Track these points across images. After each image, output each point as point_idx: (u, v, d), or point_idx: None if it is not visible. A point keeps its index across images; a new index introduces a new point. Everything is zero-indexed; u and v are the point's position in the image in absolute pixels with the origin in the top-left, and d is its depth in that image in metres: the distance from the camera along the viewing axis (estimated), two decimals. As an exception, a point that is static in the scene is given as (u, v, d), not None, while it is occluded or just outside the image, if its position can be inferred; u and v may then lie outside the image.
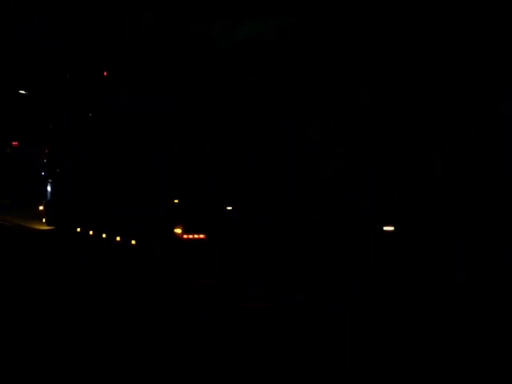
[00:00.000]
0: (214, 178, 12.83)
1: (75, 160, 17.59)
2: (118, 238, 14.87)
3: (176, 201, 13.59)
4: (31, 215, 21.40)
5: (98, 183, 16.58)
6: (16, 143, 45.80)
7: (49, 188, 18.85)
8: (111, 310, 9.08)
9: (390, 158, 12.10)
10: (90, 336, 7.65)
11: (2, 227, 21.31)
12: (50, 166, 19.06)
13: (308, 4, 17.27)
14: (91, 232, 16.10)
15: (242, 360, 7.07)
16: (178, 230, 12.97)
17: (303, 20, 17.02)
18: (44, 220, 19.07)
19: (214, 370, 6.68)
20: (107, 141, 16.68)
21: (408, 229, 11.61)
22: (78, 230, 16.78)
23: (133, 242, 14.41)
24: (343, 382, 6.64)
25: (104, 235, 15.48)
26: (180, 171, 13.38)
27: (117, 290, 10.57)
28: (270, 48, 18.27)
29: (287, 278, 11.54)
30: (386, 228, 11.66)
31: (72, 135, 18.34)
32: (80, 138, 17.80)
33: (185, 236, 13.00)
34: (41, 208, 19.53)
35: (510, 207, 11.32)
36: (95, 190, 16.59)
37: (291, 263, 11.77)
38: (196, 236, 12.87)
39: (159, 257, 13.37)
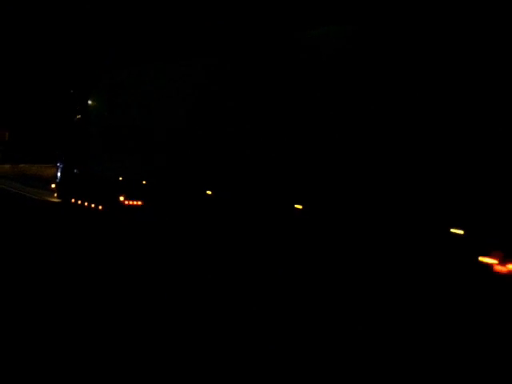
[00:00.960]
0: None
1: (74, 150, 23.90)
2: (92, 205, 21.31)
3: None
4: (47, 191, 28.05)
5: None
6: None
7: (59, 171, 25.28)
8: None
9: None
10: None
11: (28, 198, 28.14)
12: (59, 154, 25.40)
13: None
14: (81, 202, 22.54)
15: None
16: (122, 198, 19.25)
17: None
18: (55, 194, 25.57)
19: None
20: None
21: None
22: (73, 200, 23.20)
23: (99, 207, 20.82)
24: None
25: (86, 203, 21.93)
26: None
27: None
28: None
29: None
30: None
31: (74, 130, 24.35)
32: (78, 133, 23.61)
33: (126, 202, 19.23)
34: (53, 186, 25.97)
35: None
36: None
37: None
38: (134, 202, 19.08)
39: (109, 217, 19.77)
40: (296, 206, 12.34)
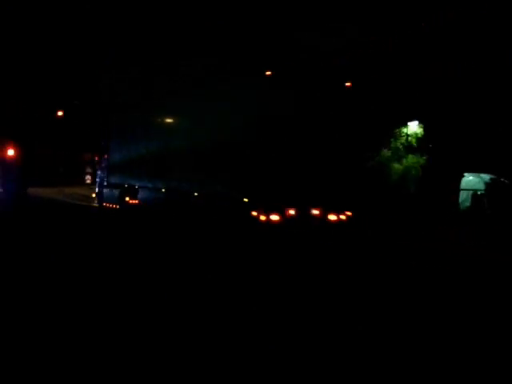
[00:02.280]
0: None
1: (104, 169, 34.42)
2: (112, 205, 31.98)
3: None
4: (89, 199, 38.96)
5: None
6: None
7: (97, 185, 35.81)
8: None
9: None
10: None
11: (78, 205, 39.07)
12: (97, 173, 35.99)
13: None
14: (106, 204, 33.13)
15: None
16: (127, 198, 29.72)
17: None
18: (96, 201, 36.24)
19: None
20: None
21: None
22: (104, 204, 33.83)
23: (117, 206, 31.38)
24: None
25: (109, 204, 32.55)
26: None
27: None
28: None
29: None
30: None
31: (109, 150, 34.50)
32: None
33: (130, 201, 29.65)
34: (93, 195, 36.74)
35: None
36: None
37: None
38: (134, 201, 29.46)
39: (120, 212, 30.35)
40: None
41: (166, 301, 10.38)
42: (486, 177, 22.26)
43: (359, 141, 26.89)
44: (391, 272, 14.70)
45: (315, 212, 18.48)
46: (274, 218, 17.89)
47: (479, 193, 23.13)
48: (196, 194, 21.87)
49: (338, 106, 25.40)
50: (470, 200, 23.26)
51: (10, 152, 51.76)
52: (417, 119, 28.55)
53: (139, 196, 28.26)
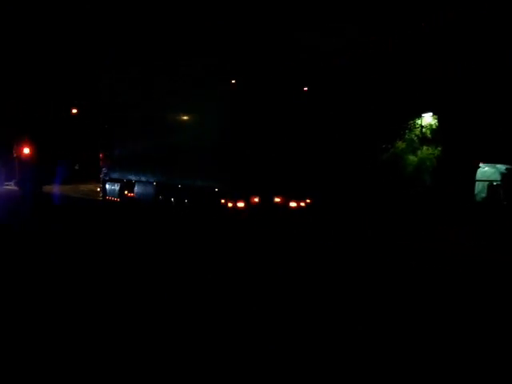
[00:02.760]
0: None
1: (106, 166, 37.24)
2: (114, 199, 34.86)
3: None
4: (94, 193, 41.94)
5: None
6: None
7: (101, 181, 38.67)
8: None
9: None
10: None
11: (83, 199, 42.02)
12: (100, 170, 38.82)
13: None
14: (109, 197, 36.00)
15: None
16: (126, 192, 32.60)
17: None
18: (100, 195, 39.14)
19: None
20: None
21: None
22: (106, 197, 36.71)
23: (117, 199, 34.25)
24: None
25: (111, 198, 35.45)
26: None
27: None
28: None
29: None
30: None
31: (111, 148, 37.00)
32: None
33: (128, 195, 32.52)
34: (98, 189, 39.63)
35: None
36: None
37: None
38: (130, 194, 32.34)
39: (119, 204, 33.23)
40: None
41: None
42: (502, 167, 21.78)
43: (374, 133, 27.53)
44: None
45: (277, 199, 21.14)
46: (240, 204, 20.60)
47: (495, 183, 22.49)
48: (179, 186, 24.59)
49: (350, 100, 26.53)
50: (485, 191, 22.60)
51: (26, 151, 55.71)
52: (431, 110, 28.40)
53: (135, 189, 31.02)
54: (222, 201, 21.23)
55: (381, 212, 24.98)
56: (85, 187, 43.16)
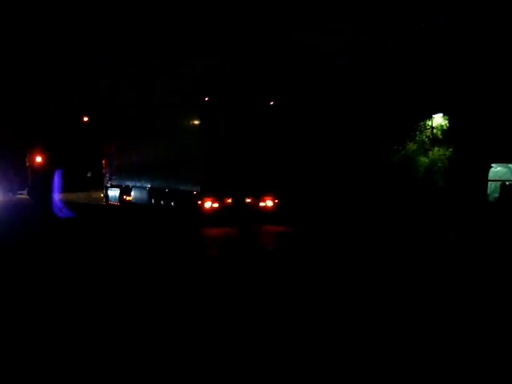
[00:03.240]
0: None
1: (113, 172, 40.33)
2: (114, 203, 37.97)
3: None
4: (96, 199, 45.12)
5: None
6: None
7: (104, 187, 41.84)
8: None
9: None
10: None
11: (93, 203, 45.16)
12: (104, 177, 41.95)
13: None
14: (111, 202, 39.13)
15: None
16: (124, 196, 35.77)
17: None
18: (103, 200, 42.24)
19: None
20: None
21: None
22: (109, 202, 39.84)
23: (117, 203, 37.38)
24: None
25: (112, 202, 38.55)
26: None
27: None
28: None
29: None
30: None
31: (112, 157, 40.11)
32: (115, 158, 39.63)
33: (127, 198, 35.62)
34: (102, 195, 42.79)
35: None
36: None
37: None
38: (128, 198, 35.46)
39: (119, 207, 36.41)
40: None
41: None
42: (515, 167, 21.57)
43: (385, 135, 27.35)
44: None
45: (248, 200, 24.14)
46: (214, 205, 23.64)
47: (508, 183, 22.33)
48: (167, 190, 27.66)
49: (356, 102, 27.20)
50: (498, 191, 22.45)
51: (38, 159, 58.23)
52: (441, 111, 27.91)
53: (132, 194, 34.13)
54: (199, 202, 24.14)
55: (390, 213, 24.91)
56: (96, 194, 45.68)
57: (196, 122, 24.31)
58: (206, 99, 23.23)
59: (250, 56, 21.75)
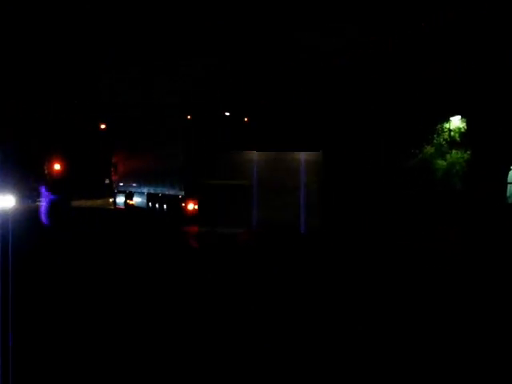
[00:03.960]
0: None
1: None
2: (119, 206, 41.99)
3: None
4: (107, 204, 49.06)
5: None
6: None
7: (113, 191, 45.88)
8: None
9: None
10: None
11: (100, 208, 49.07)
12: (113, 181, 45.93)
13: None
14: (117, 206, 43.17)
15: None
16: (128, 201, 39.83)
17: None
18: (112, 205, 46.25)
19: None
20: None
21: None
22: (116, 206, 43.85)
23: (122, 207, 41.38)
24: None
25: (118, 206, 42.57)
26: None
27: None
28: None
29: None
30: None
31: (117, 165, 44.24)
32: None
33: (130, 203, 39.64)
34: (111, 200, 46.83)
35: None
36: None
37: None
38: (131, 202, 39.51)
39: (124, 210, 40.48)
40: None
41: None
42: (534, 169, 20.73)
43: (402, 139, 26.85)
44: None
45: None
46: (194, 206, 27.59)
47: None
48: (160, 195, 31.72)
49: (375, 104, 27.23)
50: None
51: (57, 167, 61.08)
52: (459, 114, 27.46)
53: (134, 199, 38.20)
54: (183, 204, 28.12)
55: (400, 215, 24.80)
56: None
57: (179, 138, 28.22)
58: (188, 117, 27.02)
59: (249, 56, 22.25)
